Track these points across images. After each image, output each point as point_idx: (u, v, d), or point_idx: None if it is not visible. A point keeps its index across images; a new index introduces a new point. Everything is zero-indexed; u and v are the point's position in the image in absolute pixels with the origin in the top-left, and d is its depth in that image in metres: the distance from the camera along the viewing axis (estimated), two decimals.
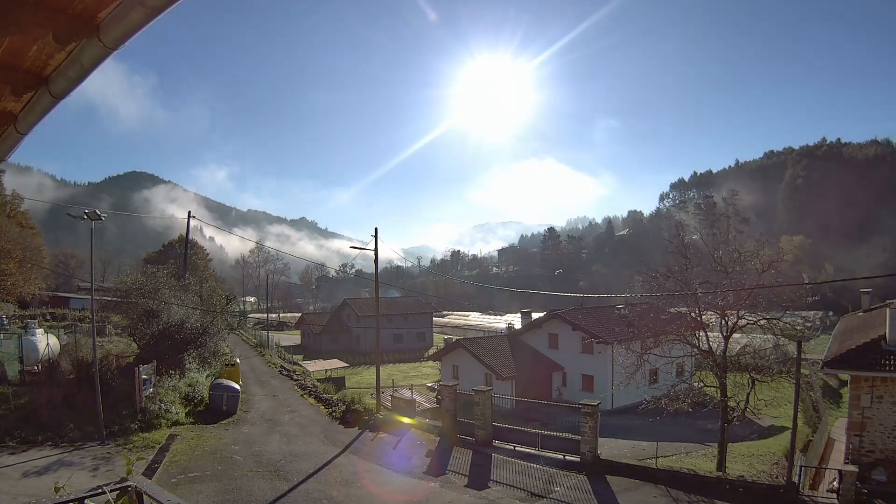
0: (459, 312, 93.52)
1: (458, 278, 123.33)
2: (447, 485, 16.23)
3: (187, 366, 26.26)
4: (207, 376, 27.11)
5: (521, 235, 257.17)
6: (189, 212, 38.68)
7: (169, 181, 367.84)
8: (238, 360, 31.75)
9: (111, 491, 2.63)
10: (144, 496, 2.66)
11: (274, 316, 78.32)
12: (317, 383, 31.02)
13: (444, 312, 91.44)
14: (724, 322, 18.76)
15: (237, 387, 25.51)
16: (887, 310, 18.16)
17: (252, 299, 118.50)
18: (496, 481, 16.53)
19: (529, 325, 38.50)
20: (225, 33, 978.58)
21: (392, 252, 32.92)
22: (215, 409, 23.80)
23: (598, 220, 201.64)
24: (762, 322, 18.61)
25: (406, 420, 22.98)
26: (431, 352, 52.12)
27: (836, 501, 14.35)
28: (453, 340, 42.47)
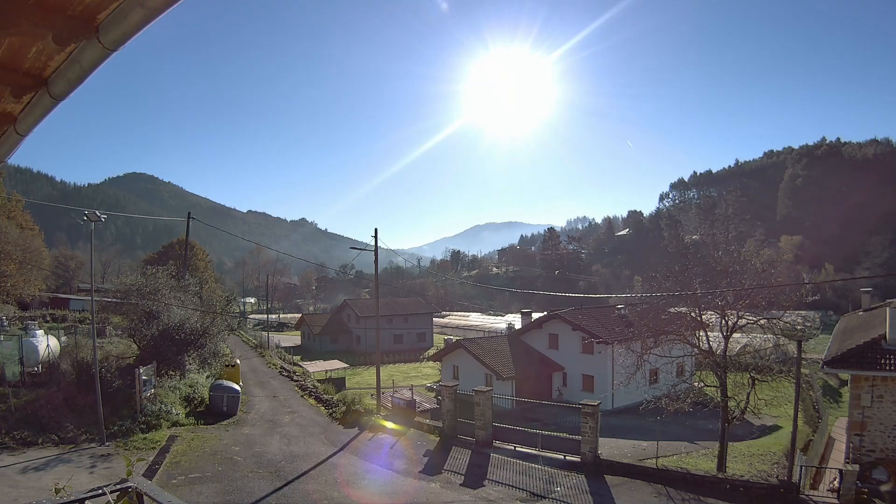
0: (459, 313, 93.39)
1: (459, 279, 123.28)
2: (443, 484, 16.26)
3: (187, 367, 26.24)
4: (208, 377, 27.11)
5: (521, 236, 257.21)
6: (189, 213, 38.63)
7: (169, 182, 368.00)
8: (238, 361, 31.73)
9: (111, 492, 2.62)
10: (145, 497, 2.66)
11: (274, 317, 78.20)
12: (317, 384, 30.99)
13: (445, 313, 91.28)
14: (724, 322, 18.76)
15: (237, 388, 25.51)
16: (887, 309, 18.13)
17: (252, 300, 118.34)
18: (494, 481, 16.54)
19: (529, 326, 38.48)
20: (226, 31, 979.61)
21: (392, 252, 32.94)
22: (215, 409, 23.80)
23: (598, 221, 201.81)
24: (762, 322, 18.61)
25: (406, 421, 22.97)
26: (431, 352, 52.07)
27: (836, 501, 14.34)
28: (453, 341, 42.46)
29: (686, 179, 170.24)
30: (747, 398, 17.66)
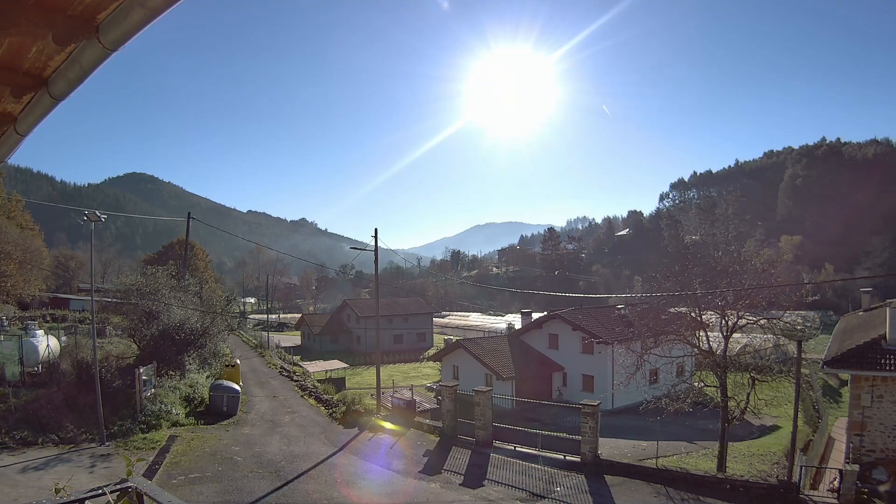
0: (459, 313, 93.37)
1: (458, 279, 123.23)
2: (443, 484, 16.27)
3: (187, 367, 26.25)
4: (208, 377, 27.11)
5: (521, 236, 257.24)
6: (189, 213, 38.63)
7: (169, 182, 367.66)
8: (238, 361, 31.72)
9: (111, 492, 2.62)
10: (145, 497, 2.66)
11: (274, 317, 78.18)
12: (317, 384, 30.98)
13: (445, 313, 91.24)
14: (724, 322, 18.76)
15: (237, 388, 25.50)
16: (887, 309, 18.14)
17: (252, 300, 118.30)
18: (493, 481, 16.54)
19: (529, 326, 38.47)
20: (225, 31, 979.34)
21: (392, 252, 32.94)
22: (216, 409, 23.79)
23: (598, 221, 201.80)
24: (762, 322, 18.61)
25: (406, 421, 22.97)
26: (431, 352, 52.05)
27: (836, 501, 14.34)
28: (453, 341, 42.45)
29: (686, 179, 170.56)
30: (747, 398, 17.65)
